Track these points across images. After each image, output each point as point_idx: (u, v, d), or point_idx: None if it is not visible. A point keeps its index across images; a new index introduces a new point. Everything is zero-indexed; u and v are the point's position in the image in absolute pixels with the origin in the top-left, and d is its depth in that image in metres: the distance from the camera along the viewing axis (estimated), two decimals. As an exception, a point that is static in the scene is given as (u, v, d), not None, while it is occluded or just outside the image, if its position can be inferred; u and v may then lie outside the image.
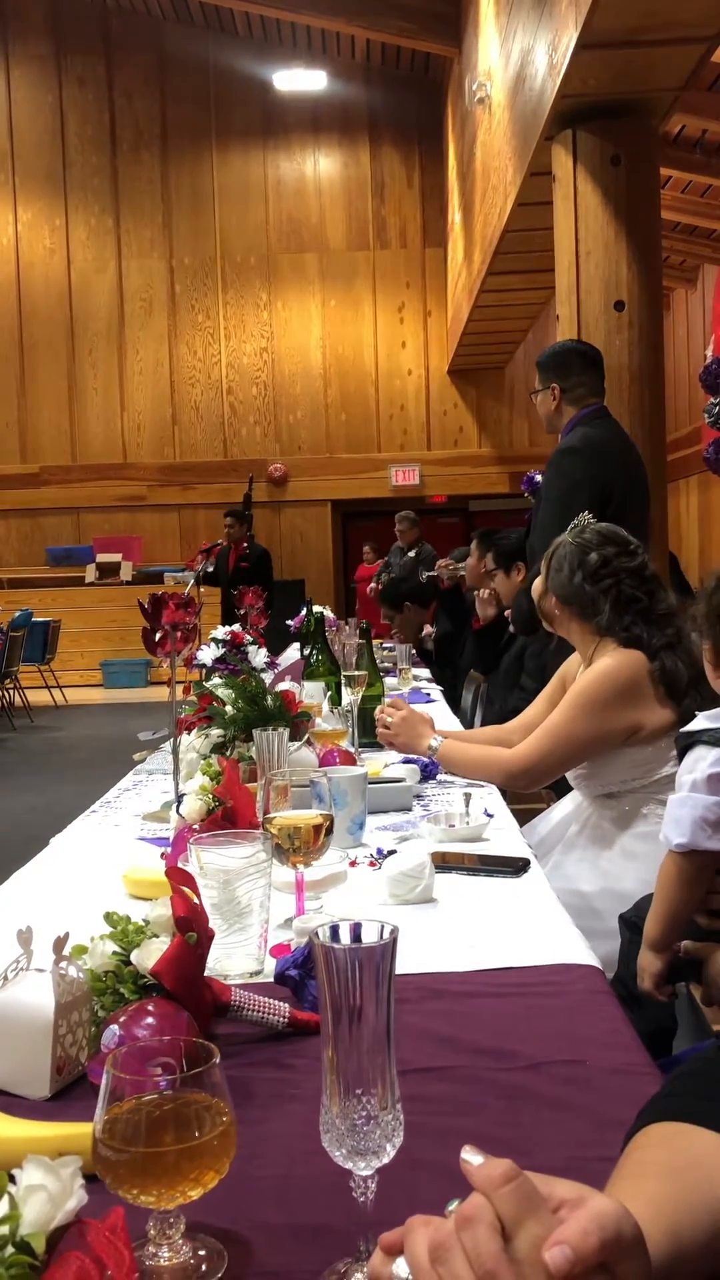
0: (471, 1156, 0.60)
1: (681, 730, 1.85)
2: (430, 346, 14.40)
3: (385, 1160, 0.72)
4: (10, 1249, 0.55)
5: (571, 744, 2.21)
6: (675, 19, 4.13)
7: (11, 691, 10.42)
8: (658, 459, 4.79)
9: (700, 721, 1.79)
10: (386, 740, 2.47)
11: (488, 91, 8.01)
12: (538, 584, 2.39)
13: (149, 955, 1.05)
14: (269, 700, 2.19)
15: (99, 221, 14.44)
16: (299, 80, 13.78)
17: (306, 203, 14.41)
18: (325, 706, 2.88)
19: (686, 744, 1.80)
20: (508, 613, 3.99)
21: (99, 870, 1.77)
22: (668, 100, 4.78)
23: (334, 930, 0.74)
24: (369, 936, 0.74)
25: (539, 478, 4.33)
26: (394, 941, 0.72)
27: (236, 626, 2.98)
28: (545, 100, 5.09)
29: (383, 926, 0.74)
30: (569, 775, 2.31)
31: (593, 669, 2.23)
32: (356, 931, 0.75)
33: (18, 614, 10.76)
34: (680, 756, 1.82)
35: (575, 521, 2.39)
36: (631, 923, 1.97)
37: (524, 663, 3.71)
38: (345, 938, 0.74)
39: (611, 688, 2.17)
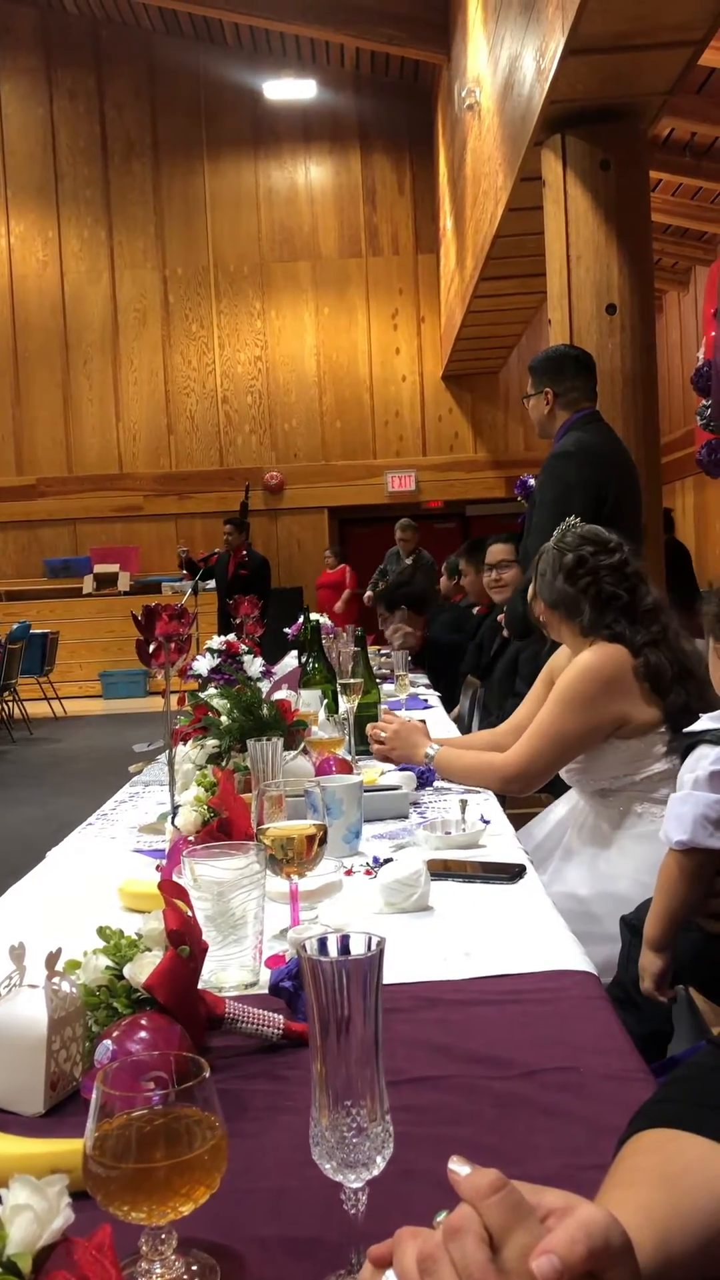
0: (459, 1167, 0.60)
1: (684, 730, 1.86)
2: (424, 352, 14.42)
3: (375, 1172, 0.72)
4: (-3, 1269, 0.55)
5: (560, 742, 2.21)
6: (662, 23, 4.14)
7: (10, 704, 10.41)
8: (652, 462, 4.80)
9: (704, 722, 1.80)
10: (382, 755, 2.47)
11: (476, 98, 8.03)
12: (530, 590, 2.41)
13: (142, 969, 1.05)
14: (265, 709, 2.20)
15: (92, 233, 14.47)
16: (289, 89, 13.79)
17: (298, 211, 14.44)
18: (322, 714, 2.88)
19: (689, 744, 1.81)
20: (501, 618, 3.99)
21: (95, 883, 1.76)
22: (656, 104, 4.79)
23: (321, 943, 0.74)
24: (356, 948, 0.74)
25: (532, 481, 4.34)
26: (381, 953, 0.72)
27: (232, 636, 2.98)
28: (534, 106, 5.10)
29: (370, 938, 0.74)
30: (562, 772, 2.31)
31: (574, 665, 2.24)
32: (344, 943, 0.75)
33: (15, 626, 10.77)
34: (683, 757, 1.83)
35: (561, 526, 2.40)
36: (633, 925, 1.97)
37: (518, 668, 3.71)
38: (333, 950, 0.74)
39: (594, 682, 2.18)
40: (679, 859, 1.75)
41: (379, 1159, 0.72)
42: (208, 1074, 0.74)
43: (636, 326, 4.79)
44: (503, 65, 6.50)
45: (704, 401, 6.49)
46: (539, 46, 4.96)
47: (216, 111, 14.28)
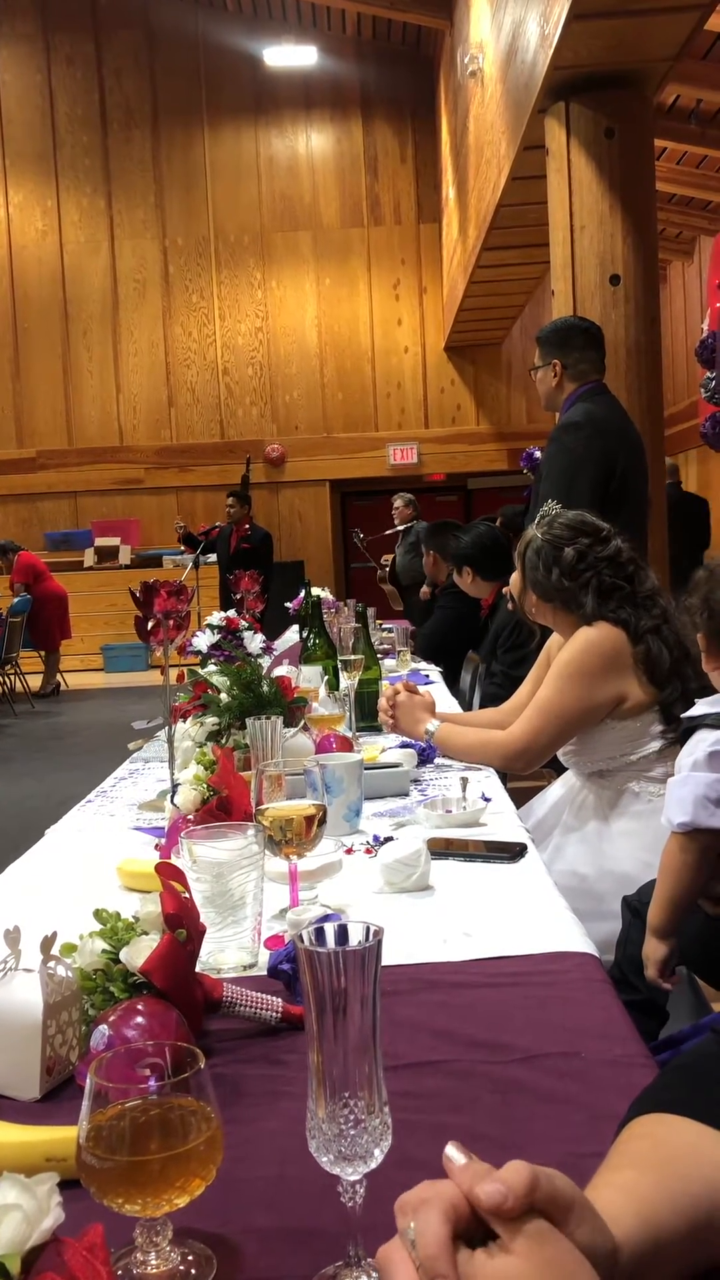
0: (456, 1154, 0.60)
1: (683, 715, 1.85)
2: (426, 323, 14.30)
3: (373, 1165, 0.71)
4: (-15, 1270, 0.54)
5: (562, 718, 2.19)
6: (667, -13, 4.08)
7: (12, 677, 10.40)
8: (656, 434, 4.76)
9: (701, 707, 1.79)
10: (388, 725, 2.46)
11: (479, 64, 7.92)
12: (515, 579, 2.36)
13: (138, 953, 1.04)
14: (264, 686, 2.18)
15: (91, 202, 14.32)
16: (290, 56, 13.60)
17: (299, 180, 14.29)
18: (322, 691, 2.86)
19: (687, 728, 1.80)
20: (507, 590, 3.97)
21: (94, 862, 1.76)
22: (661, 70, 4.72)
23: (318, 933, 0.73)
24: (354, 939, 0.72)
25: (539, 454, 4.30)
26: (379, 944, 0.71)
27: (233, 612, 2.96)
28: (538, 72, 5.03)
29: (368, 928, 0.72)
30: (559, 753, 2.30)
31: (573, 641, 2.21)
32: (342, 933, 0.73)
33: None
34: (681, 742, 1.82)
35: (543, 512, 2.36)
36: (634, 907, 1.96)
37: (497, 654, 3.71)
38: (330, 940, 0.73)
39: (595, 657, 2.16)
40: (682, 842, 1.73)
41: (376, 1151, 0.71)
42: (203, 1064, 0.73)
43: (640, 297, 4.73)
44: (506, 31, 6.40)
45: (709, 374, 6.44)
46: (543, 11, 4.88)
47: (216, 78, 14.09)
